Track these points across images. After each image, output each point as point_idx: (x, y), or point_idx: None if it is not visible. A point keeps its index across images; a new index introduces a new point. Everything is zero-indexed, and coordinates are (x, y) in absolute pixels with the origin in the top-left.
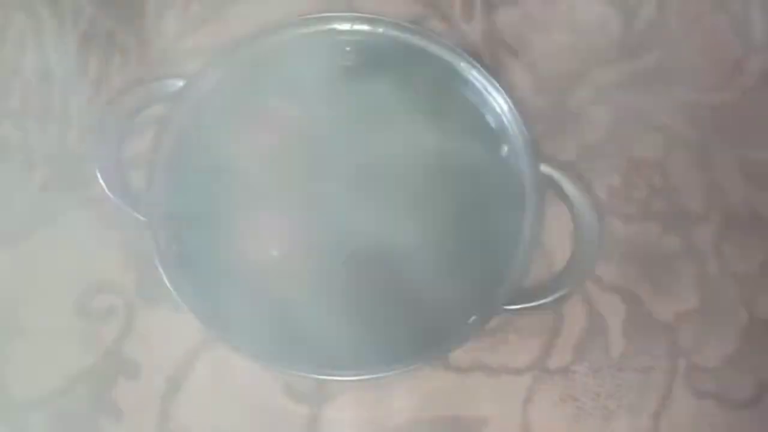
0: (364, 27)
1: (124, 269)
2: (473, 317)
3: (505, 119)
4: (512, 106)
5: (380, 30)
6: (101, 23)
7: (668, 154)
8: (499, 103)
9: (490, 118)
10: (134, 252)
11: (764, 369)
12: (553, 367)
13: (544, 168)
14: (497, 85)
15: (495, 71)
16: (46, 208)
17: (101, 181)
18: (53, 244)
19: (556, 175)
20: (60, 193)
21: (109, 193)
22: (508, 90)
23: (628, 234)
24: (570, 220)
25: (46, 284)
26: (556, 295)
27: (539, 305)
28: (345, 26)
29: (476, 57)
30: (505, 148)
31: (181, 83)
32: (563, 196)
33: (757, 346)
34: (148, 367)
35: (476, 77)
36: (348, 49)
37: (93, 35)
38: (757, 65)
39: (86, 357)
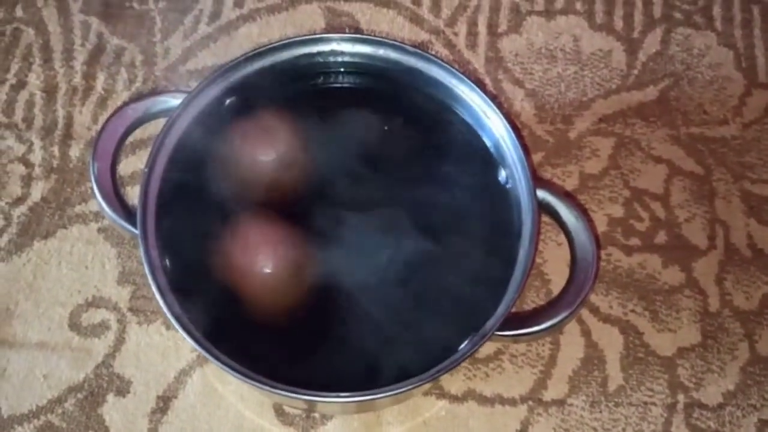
0: (365, 48)
1: (118, 284)
2: (465, 342)
3: (503, 144)
4: (511, 131)
5: (381, 51)
6: (109, 40)
7: (670, 186)
8: (497, 127)
9: (488, 143)
10: (129, 268)
11: (765, 407)
12: (549, 399)
13: (541, 193)
14: (497, 109)
15: (498, 99)
16: (43, 221)
17: (96, 192)
18: (49, 257)
19: (552, 200)
20: (59, 207)
21: (103, 205)
22: (510, 117)
23: (628, 266)
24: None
25: (41, 297)
26: (550, 323)
27: (533, 332)
28: (346, 47)
29: (479, 84)
30: (503, 173)
31: (178, 100)
32: (560, 221)
33: (759, 384)
34: (138, 384)
35: (475, 101)
36: (348, 69)
37: (100, 52)
38: (761, 100)
39: (77, 372)
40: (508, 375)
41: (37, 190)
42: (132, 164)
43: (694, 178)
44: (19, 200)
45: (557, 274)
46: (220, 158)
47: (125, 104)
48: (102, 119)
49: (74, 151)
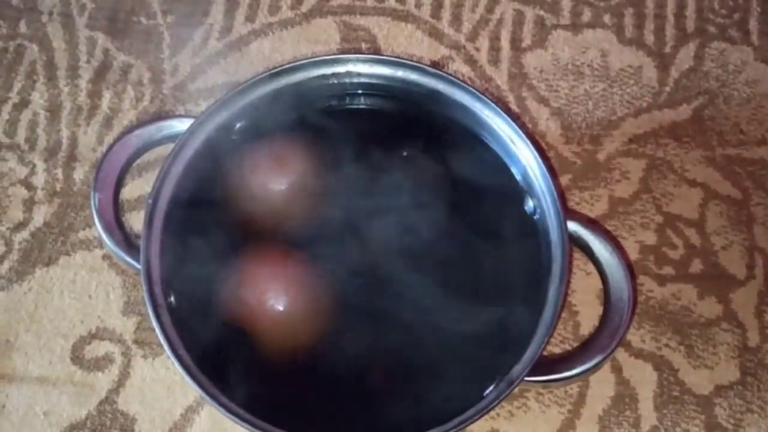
0: (383, 70)
1: (123, 315)
2: (491, 388)
3: (531, 172)
4: (540, 159)
5: (399, 73)
6: (116, 56)
7: (706, 211)
8: (524, 155)
9: (515, 171)
10: (135, 297)
11: None
12: None
13: (572, 226)
14: (524, 135)
15: (522, 118)
16: (45, 247)
17: (97, 225)
18: (51, 285)
19: (584, 233)
20: (61, 232)
21: (104, 238)
22: (539, 144)
23: (662, 296)
24: (599, 280)
25: (42, 329)
26: (583, 368)
27: (563, 378)
28: (362, 68)
29: (502, 103)
30: (530, 203)
31: (185, 125)
32: (593, 257)
33: None
34: (143, 422)
35: (501, 127)
36: (365, 92)
37: (106, 69)
38: None
39: (79, 409)
40: (533, 414)
41: (40, 215)
42: (138, 187)
43: (731, 202)
44: (20, 225)
45: (586, 306)
46: (230, 187)
47: (128, 131)
48: (107, 140)
49: (78, 174)
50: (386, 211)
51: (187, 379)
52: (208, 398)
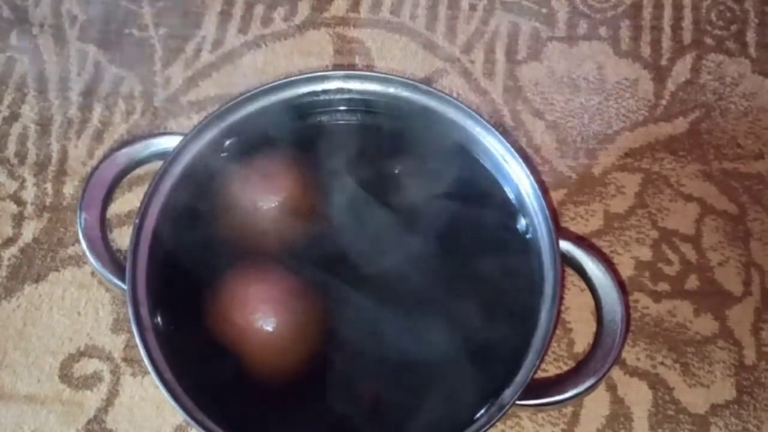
0: (374, 86)
1: (113, 332)
2: (481, 413)
3: (523, 191)
4: (531, 178)
5: (391, 90)
6: (107, 69)
7: (702, 226)
8: (517, 173)
9: (507, 189)
10: (124, 315)
11: None
12: None
13: (565, 245)
14: (515, 153)
15: (517, 132)
16: (34, 263)
17: (83, 245)
18: (40, 302)
19: (577, 253)
20: (51, 248)
21: (91, 259)
22: (528, 157)
23: (657, 313)
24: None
25: (30, 346)
26: (575, 391)
27: (555, 402)
28: (353, 85)
29: (496, 117)
30: (522, 222)
31: (173, 142)
32: (586, 277)
33: None
34: None
35: (493, 144)
36: (356, 108)
37: (98, 82)
38: None
39: (67, 428)
40: None
41: (29, 231)
42: (128, 202)
43: (727, 217)
44: (9, 241)
45: (581, 323)
46: (219, 206)
47: (116, 149)
48: (98, 154)
49: (68, 188)
50: (377, 229)
51: (173, 404)
52: (193, 423)
